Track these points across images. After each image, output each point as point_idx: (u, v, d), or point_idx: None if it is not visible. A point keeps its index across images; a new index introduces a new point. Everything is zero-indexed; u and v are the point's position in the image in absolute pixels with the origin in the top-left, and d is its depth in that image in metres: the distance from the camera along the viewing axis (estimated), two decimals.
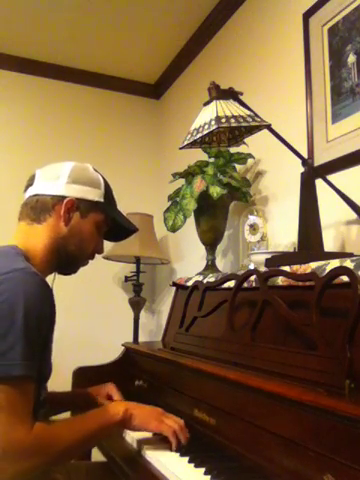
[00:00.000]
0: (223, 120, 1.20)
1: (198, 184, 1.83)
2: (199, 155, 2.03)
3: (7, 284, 0.92)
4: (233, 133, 1.41)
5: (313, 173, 1.33)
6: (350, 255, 1.18)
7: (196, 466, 0.94)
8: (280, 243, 1.76)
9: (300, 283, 1.07)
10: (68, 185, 1.12)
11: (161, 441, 1.11)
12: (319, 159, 1.62)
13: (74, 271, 1.22)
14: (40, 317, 0.94)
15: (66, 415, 1.35)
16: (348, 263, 0.98)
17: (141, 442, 1.11)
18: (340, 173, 1.52)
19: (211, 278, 1.52)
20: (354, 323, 0.85)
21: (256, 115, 1.27)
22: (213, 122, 1.21)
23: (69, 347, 2.61)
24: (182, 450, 1.03)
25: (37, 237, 1.11)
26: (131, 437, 1.16)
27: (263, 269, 1.24)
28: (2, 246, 1.07)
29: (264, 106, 1.74)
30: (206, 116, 1.26)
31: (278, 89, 1.93)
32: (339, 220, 1.50)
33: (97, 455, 1.36)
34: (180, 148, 1.38)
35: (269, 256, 1.36)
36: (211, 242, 1.99)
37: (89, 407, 1.13)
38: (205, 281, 1.51)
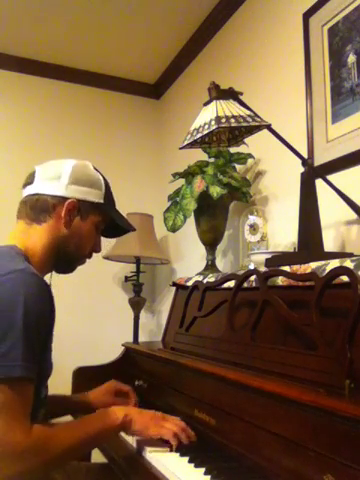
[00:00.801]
0: (223, 120, 1.20)
1: (198, 184, 1.83)
2: (199, 155, 2.03)
3: (7, 285, 0.92)
4: (233, 133, 1.41)
5: (313, 173, 1.33)
6: (350, 255, 1.18)
7: (196, 466, 0.94)
8: (280, 243, 1.76)
9: (300, 283, 1.07)
10: (69, 186, 1.11)
11: (161, 441, 1.11)
12: (319, 159, 1.62)
13: (71, 270, 1.22)
14: (40, 318, 0.94)
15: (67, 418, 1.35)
16: (348, 263, 0.98)
17: (141, 442, 1.11)
18: (340, 173, 1.52)
19: (211, 278, 1.52)
20: (354, 323, 0.85)
21: (256, 115, 1.27)
22: (213, 122, 1.21)
23: (69, 347, 2.61)
24: (182, 450, 1.03)
25: (36, 237, 1.10)
26: (131, 437, 1.16)
27: (263, 269, 1.24)
28: (1, 246, 1.07)
29: (264, 106, 1.75)
30: (206, 116, 1.26)
31: (278, 89, 1.93)
32: (339, 220, 1.50)
33: (97, 456, 1.36)
34: (180, 148, 1.38)
35: (269, 256, 1.36)
36: (211, 242, 1.99)
37: (89, 412, 1.14)
38: (205, 281, 1.51)
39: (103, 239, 1.27)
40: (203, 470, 0.91)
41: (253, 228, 1.77)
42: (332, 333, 0.92)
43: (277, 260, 1.29)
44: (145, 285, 2.76)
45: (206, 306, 1.41)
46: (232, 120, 1.21)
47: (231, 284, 1.32)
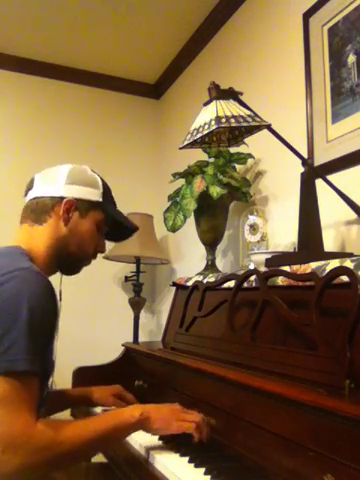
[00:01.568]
0: (223, 120, 1.20)
1: (198, 184, 1.83)
2: (199, 155, 2.03)
3: (12, 282, 0.93)
4: (233, 133, 1.41)
5: (313, 173, 1.33)
6: (350, 255, 1.18)
7: (196, 466, 0.94)
8: (280, 243, 1.76)
9: (300, 283, 1.07)
10: (66, 186, 1.14)
11: (161, 441, 1.11)
12: (319, 159, 1.62)
13: (77, 271, 1.23)
14: (44, 315, 0.94)
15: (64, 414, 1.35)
16: (348, 263, 0.98)
17: (141, 442, 1.11)
18: (340, 173, 1.52)
19: (211, 278, 1.52)
20: (354, 323, 0.85)
21: (256, 115, 1.27)
22: (213, 122, 1.21)
23: (69, 347, 2.60)
24: (182, 450, 1.03)
25: (39, 238, 1.12)
26: (131, 437, 1.16)
27: (263, 269, 1.24)
28: (6, 246, 1.09)
29: (264, 106, 1.75)
30: (206, 116, 1.26)
31: (278, 89, 1.93)
32: (339, 220, 1.50)
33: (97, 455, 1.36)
34: (180, 148, 1.38)
35: (269, 256, 1.36)
36: (211, 242, 1.99)
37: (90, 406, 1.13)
38: (205, 281, 1.51)
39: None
40: (203, 470, 0.91)
41: (253, 228, 1.77)
42: (332, 333, 0.91)
43: (277, 260, 1.29)
44: (145, 285, 2.76)
45: (206, 306, 1.41)
46: (232, 120, 1.21)
47: (231, 284, 1.32)
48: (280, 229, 1.79)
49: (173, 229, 1.93)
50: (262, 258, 1.41)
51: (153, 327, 3.02)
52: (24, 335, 0.89)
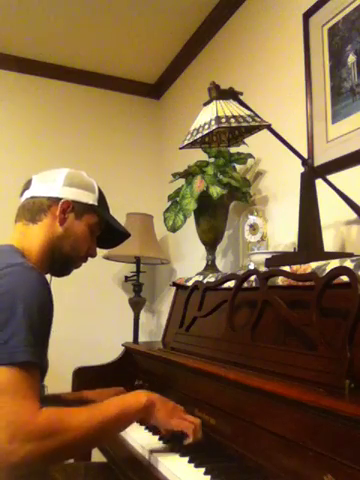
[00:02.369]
0: (223, 120, 1.20)
1: (198, 184, 1.83)
2: (199, 155, 2.03)
3: (6, 278, 0.94)
4: (233, 133, 1.41)
5: (313, 173, 1.33)
6: (350, 255, 1.18)
7: (196, 466, 0.94)
8: (280, 243, 1.76)
9: (300, 283, 1.07)
10: (64, 187, 1.17)
11: (161, 441, 1.11)
12: (319, 159, 1.62)
13: (67, 273, 1.24)
14: (41, 308, 0.95)
15: None
16: (348, 263, 0.98)
17: (141, 442, 1.11)
18: (340, 173, 1.52)
19: (211, 278, 1.52)
20: (354, 323, 0.85)
21: (256, 115, 1.27)
22: (213, 122, 1.21)
23: (69, 347, 2.61)
24: (182, 450, 1.03)
25: (33, 236, 1.14)
26: (131, 437, 1.16)
27: (263, 269, 1.24)
28: None
29: (264, 106, 1.75)
30: (206, 116, 1.26)
31: (278, 89, 1.93)
32: (339, 220, 1.50)
33: (97, 455, 1.36)
34: (180, 148, 1.38)
35: (269, 256, 1.36)
36: (211, 242, 1.99)
37: None
38: (205, 281, 1.51)
39: None
40: (203, 470, 0.91)
41: (253, 228, 1.77)
42: (332, 333, 0.92)
43: (277, 260, 1.29)
44: (145, 285, 2.76)
45: (206, 306, 1.41)
46: (232, 120, 1.21)
47: (231, 284, 1.32)
48: (280, 229, 1.79)
49: (173, 229, 1.93)
50: (262, 258, 1.41)
51: (153, 327, 3.02)
52: (23, 327, 0.90)
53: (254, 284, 1.24)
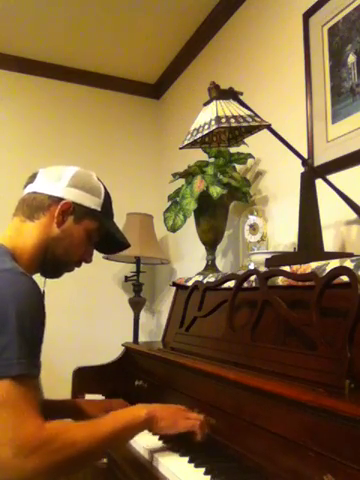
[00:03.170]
0: (223, 120, 1.20)
1: (198, 184, 1.83)
2: (199, 155, 2.03)
3: None
4: (233, 133, 1.41)
5: (313, 173, 1.33)
6: (350, 255, 1.18)
7: (196, 466, 0.94)
8: (280, 243, 1.76)
9: (300, 283, 1.07)
10: (67, 188, 1.12)
11: (161, 441, 1.11)
12: (319, 159, 1.62)
13: (58, 275, 1.19)
14: (33, 316, 0.92)
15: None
16: (348, 263, 0.98)
17: (141, 442, 1.11)
18: (340, 173, 1.52)
19: (211, 278, 1.52)
20: (354, 323, 0.85)
21: (256, 115, 1.27)
22: (213, 122, 1.21)
23: (69, 347, 2.61)
24: (182, 450, 1.03)
25: (27, 235, 1.10)
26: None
27: (263, 269, 1.24)
28: None
29: (264, 106, 1.75)
30: (206, 116, 1.26)
31: (278, 89, 1.93)
32: (339, 220, 1.50)
33: None
34: (180, 148, 1.38)
35: (269, 256, 1.36)
36: (211, 242, 1.99)
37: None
38: (205, 281, 1.51)
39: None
40: (203, 470, 0.91)
41: (253, 228, 1.77)
42: (332, 333, 0.92)
43: (277, 260, 1.29)
44: (145, 285, 2.76)
45: (206, 306, 1.41)
46: (232, 120, 1.21)
47: (231, 284, 1.32)
48: (280, 229, 1.79)
49: (173, 229, 1.93)
50: (262, 258, 1.41)
51: (153, 327, 3.02)
52: (15, 338, 0.87)
53: (254, 284, 1.24)
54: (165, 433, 1.07)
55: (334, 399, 0.77)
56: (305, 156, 1.48)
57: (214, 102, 1.26)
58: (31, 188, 1.14)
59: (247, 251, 1.85)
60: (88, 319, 2.83)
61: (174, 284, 1.84)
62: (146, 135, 3.22)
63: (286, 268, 1.14)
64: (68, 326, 2.67)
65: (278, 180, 1.88)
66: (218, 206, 1.91)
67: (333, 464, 0.72)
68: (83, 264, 1.22)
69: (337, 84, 1.58)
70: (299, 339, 1.00)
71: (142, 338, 2.72)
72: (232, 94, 1.29)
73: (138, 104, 3.23)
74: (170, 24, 2.58)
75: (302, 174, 1.31)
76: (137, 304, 2.68)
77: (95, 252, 1.24)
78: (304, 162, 1.32)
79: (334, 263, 1.02)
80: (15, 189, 1.32)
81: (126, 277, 2.72)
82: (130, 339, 2.47)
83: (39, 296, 0.97)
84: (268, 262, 1.31)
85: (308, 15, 1.73)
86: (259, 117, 1.27)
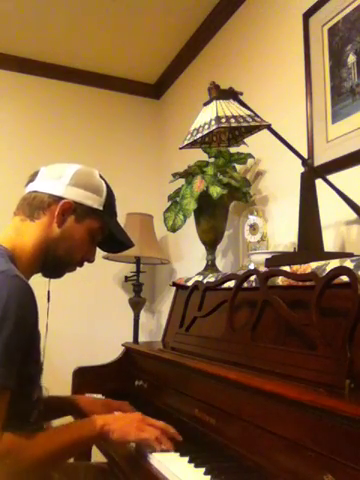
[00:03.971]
0: (223, 120, 1.20)
1: (198, 184, 1.83)
2: (199, 155, 2.03)
3: None
4: (233, 133, 1.41)
5: (313, 173, 1.33)
6: (350, 255, 1.18)
7: (196, 466, 0.94)
8: (280, 243, 1.76)
9: (300, 283, 1.07)
10: (68, 187, 1.10)
11: None
12: (319, 159, 1.62)
13: (59, 275, 1.17)
14: (19, 322, 0.90)
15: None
16: (348, 263, 0.98)
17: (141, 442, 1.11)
18: (340, 173, 1.52)
19: (211, 278, 1.52)
20: (354, 323, 0.85)
21: (256, 115, 1.27)
22: (213, 122, 1.21)
23: (69, 347, 2.61)
24: (182, 450, 1.03)
25: (27, 235, 1.08)
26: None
27: (263, 269, 1.24)
28: None
29: (264, 106, 1.74)
30: (206, 116, 1.26)
31: (278, 89, 1.93)
32: (339, 220, 1.50)
33: (97, 455, 1.36)
34: (180, 148, 1.38)
35: (269, 256, 1.36)
36: (211, 242, 1.99)
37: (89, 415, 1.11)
38: (205, 281, 1.51)
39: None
40: (203, 470, 0.91)
41: (253, 228, 1.77)
42: (332, 333, 0.92)
43: (277, 260, 1.29)
44: (145, 285, 2.76)
45: (206, 306, 1.41)
46: (232, 120, 1.21)
47: (231, 284, 1.32)
48: (280, 229, 1.79)
49: (173, 229, 1.93)
50: (262, 258, 1.41)
51: (153, 327, 3.02)
52: None
53: (254, 284, 1.23)
54: (118, 443, 1.07)
55: (334, 399, 0.77)
56: (305, 156, 1.48)
57: (214, 102, 1.26)
58: (32, 187, 1.12)
59: (247, 251, 1.85)
60: (88, 319, 2.83)
61: (174, 284, 1.84)
62: (146, 135, 3.22)
63: (286, 268, 1.14)
64: (68, 326, 2.67)
65: (278, 180, 1.88)
66: (218, 206, 1.91)
67: (333, 464, 0.72)
68: (77, 268, 1.20)
69: (337, 84, 1.58)
70: (299, 339, 1.00)
71: (142, 338, 2.72)
72: (232, 94, 1.29)
73: (138, 104, 3.23)
74: (170, 24, 2.58)
75: (302, 174, 1.31)
76: (137, 304, 2.68)
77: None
78: (304, 162, 1.32)
79: (334, 263, 1.02)
80: (16, 189, 1.32)
81: (126, 277, 2.72)
82: (130, 339, 2.47)
83: (30, 301, 0.95)
84: (268, 262, 1.31)
85: (308, 15, 1.73)
86: (259, 117, 1.27)
